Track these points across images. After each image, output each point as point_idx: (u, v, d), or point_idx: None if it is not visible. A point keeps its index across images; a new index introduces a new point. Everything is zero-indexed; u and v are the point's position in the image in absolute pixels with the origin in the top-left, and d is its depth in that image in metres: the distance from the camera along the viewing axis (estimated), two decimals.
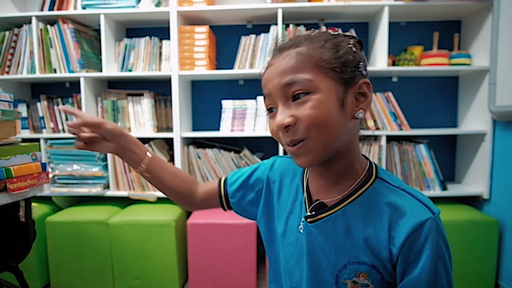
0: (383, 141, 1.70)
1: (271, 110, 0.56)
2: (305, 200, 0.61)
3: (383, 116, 1.73)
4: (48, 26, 1.77)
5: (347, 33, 0.57)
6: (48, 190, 1.78)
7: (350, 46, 0.53)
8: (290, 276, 0.62)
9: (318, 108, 0.50)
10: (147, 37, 1.81)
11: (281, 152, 1.73)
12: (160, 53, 1.82)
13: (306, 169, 0.65)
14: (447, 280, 0.51)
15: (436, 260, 0.50)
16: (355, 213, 0.55)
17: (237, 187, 0.70)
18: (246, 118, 1.79)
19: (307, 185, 0.62)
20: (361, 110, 0.53)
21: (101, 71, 1.84)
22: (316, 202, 0.58)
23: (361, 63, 0.54)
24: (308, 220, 0.58)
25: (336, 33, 0.55)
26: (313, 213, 0.57)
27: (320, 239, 0.56)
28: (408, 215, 0.52)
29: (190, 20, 1.86)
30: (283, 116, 0.52)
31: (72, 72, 1.77)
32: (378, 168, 0.59)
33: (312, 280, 0.57)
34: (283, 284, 0.65)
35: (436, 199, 1.76)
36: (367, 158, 0.60)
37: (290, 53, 0.52)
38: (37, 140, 1.80)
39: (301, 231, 0.59)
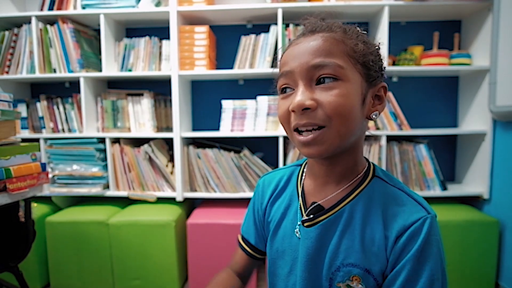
0: (383, 141, 1.70)
1: (284, 91, 0.53)
2: (300, 205, 0.59)
3: (383, 116, 1.73)
4: (48, 26, 1.77)
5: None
6: (47, 190, 1.78)
7: (377, 48, 0.54)
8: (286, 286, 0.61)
9: (345, 98, 0.48)
10: (147, 37, 1.81)
11: (281, 152, 1.73)
12: (160, 53, 1.82)
13: (302, 173, 0.64)
14: (429, 286, 0.48)
15: (420, 259, 0.48)
16: (353, 214, 0.54)
17: (255, 236, 0.69)
18: (246, 118, 1.79)
19: (302, 189, 0.61)
20: (376, 112, 0.53)
21: (101, 71, 1.83)
22: (313, 206, 0.57)
23: (384, 67, 0.55)
24: (306, 224, 0.56)
25: (365, 32, 0.55)
26: (311, 216, 0.56)
27: (318, 242, 0.55)
28: (403, 213, 0.51)
29: (190, 20, 1.86)
30: (304, 97, 0.49)
31: (72, 72, 1.77)
32: (376, 167, 0.59)
33: (307, 286, 0.56)
34: None
35: (436, 199, 1.76)
36: (366, 159, 0.60)
37: (324, 36, 0.50)
38: (37, 140, 1.80)
39: (298, 236, 0.57)
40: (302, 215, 0.58)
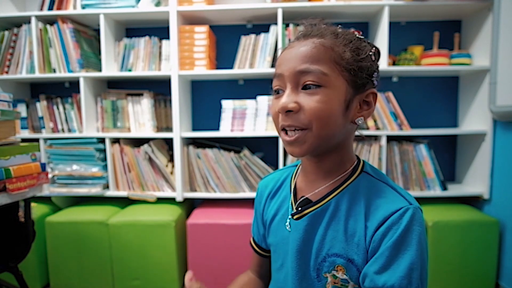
0: (383, 141, 1.70)
1: (277, 92, 0.57)
2: (291, 200, 0.62)
3: (383, 116, 1.73)
4: (48, 26, 1.77)
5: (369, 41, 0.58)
6: (47, 190, 1.78)
7: (370, 54, 0.54)
8: (276, 281, 0.64)
9: (325, 104, 0.51)
10: (147, 37, 1.81)
11: (281, 152, 1.73)
12: (160, 53, 1.82)
13: (296, 170, 0.67)
14: (407, 274, 0.47)
15: (400, 248, 0.48)
16: (339, 206, 0.56)
17: (258, 235, 0.73)
18: (246, 118, 1.79)
19: (294, 186, 0.64)
20: (361, 117, 0.55)
21: (100, 71, 1.83)
22: (301, 199, 0.60)
23: (375, 73, 0.56)
24: (295, 217, 0.59)
25: (361, 36, 0.56)
26: (299, 209, 0.59)
27: (305, 234, 0.58)
28: (384, 204, 0.53)
29: (190, 19, 1.86)
30: (289, 99, 0.52)
31: (72, 72, 1.77)
32: (366, 164, 0.61)
33: (297, 276, 0.58)
34: None
35: (436, 199, 1.76)
36: (358, 157, 0.62)
37: (314, 42, 0.53)
38: (37, 140, 1.80)
39: (288, 229, 0.60)
40: (293, 209, 0.61)
